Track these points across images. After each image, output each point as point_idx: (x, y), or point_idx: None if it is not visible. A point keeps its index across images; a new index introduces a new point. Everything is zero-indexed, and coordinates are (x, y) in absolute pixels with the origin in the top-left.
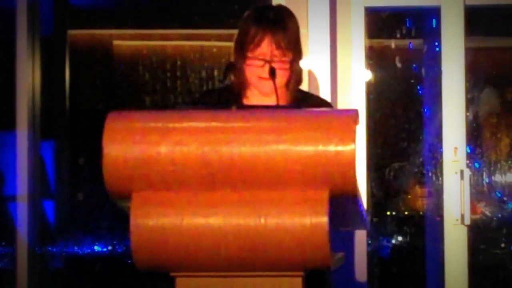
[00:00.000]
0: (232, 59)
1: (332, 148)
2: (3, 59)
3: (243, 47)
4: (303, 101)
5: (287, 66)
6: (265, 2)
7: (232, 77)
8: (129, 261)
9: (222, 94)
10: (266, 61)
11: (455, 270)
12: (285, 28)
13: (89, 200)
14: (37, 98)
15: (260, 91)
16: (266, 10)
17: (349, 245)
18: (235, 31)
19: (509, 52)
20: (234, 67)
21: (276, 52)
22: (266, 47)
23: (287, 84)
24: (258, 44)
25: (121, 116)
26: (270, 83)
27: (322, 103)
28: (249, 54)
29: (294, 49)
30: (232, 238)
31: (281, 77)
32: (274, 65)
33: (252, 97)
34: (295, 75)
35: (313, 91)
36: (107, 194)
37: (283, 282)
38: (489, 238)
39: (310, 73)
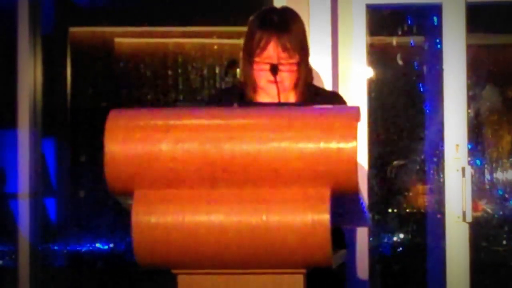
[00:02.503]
0: (240, 63)
1: (333, 145)
2: (5, 57)
3: (250, 52)
4: (313, 97)
5: (294, 68)
6: (267, 1)
7: (239, 77)
8: (131, 259)
9: (232, 93)
10: (271, 65)
11: (456, 267)
12: (290, 30)
13: (91, 197)
14: (38, 96)
15: (269, 94)
16: (270, 13)
17: (351, 242)
18: (236, 29)
19: (511, 49)
20: (237, 66)
21: (283, 55)
22: (273, 50)
23: (296, 85)
24: (264, 48)
25: (123, 114)
26: (279, 86)
27: (333, 96)
28: (256, 59)
29: (301, 49)
30: (234, 236)
31: (289, 79)
32: (282, 67)
33: (261, 99)
34: (304, 75)
35: None
36: (109, 192)
37: (284, 280)
38: (490, 235)
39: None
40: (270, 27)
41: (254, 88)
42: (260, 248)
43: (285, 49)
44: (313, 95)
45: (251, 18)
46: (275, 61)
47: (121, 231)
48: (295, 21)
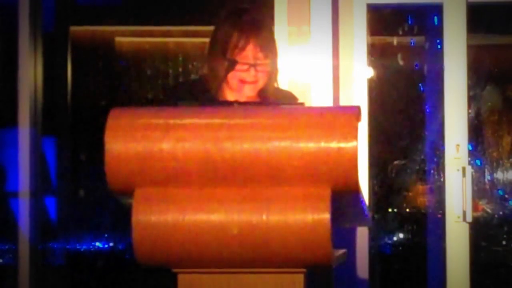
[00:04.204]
0: (207, 60)
1: (334, 145)
2: (5, 55)
3: (225, 52)
4: (274, 96)
5: (267, 68)
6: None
7: (205, 71)
8: (131, 258)
9: (194, 88)
10: (250, 65)
11: (456, 267)
12: (266, 30)
13: (91, 196)
14: (39, 94)
15: (242, 94)
16: (244, 13)
17: (351, 241)
18: None
19: (511, 49)
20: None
21: (260, 55)
22: (251, 51)
23: (266, 86)
24: (243, 48)
25: (123, 113)
26: (252, 87)
27: (288, 96)
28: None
29: (274, 50)
30: (234, 235)
31: (263, 79)
32: (258, 68)
33: (229, 98)
34: (274, 75)
35: (314, 88)
36: (109, 191)
37: (285, 279)
38: (490, 235)
39: (312, 71)
40: (248, 27)
41: (222, 86)
42: (261, 247)
43: (262, 49)
44: (274, 95)
45: (221, 18)
46: (251, 62)
47: (121, 230)
48: (267, 21)
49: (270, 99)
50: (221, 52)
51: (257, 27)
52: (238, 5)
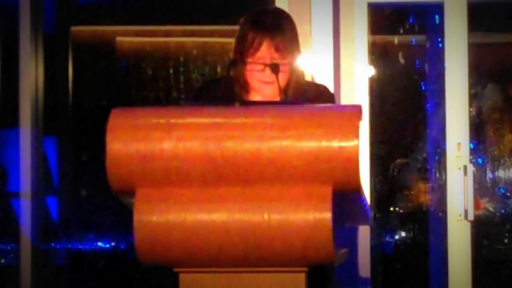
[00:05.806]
0: (232, 65)
1: (335, 143)
2: (6, 56)
3: (242, 53)
4: (302, 94)
5: (287, 68)
6: (269, 0)
7: (232, 73)
8: (133, 257)
9: (225, 87)
10: (266, 65)
11: (458, 265)
12: (282, 30)
13: (92, 196)
14: (40, 94)
15: (262, 94)
16: (262, 14)
17: (353, 241)
18: (238, 27)
19: None
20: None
21: (276, 55)
22: (266, 51)
23: (287, 86)
24: (257, 49)
25: (125, 113)
26: (271, 87)
27: (319, 89)
28: (249, 59)
29: (293, 50)
30: (235, 234)
31: (282, 79)
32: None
33: (252, 99)
34: (296, 75)
35: None
36: (110, 190)
37: (286, 278)
38: (492, 233)
39: (313, 69)
40: (263, 28)
41: (246, 88)
42: (262, 246)
43: (278, 49)
44: (302, 92)
45: (242, 19)
46: (268, 62)
47: (123, 230)
48: (287, 21)
49: (291, 99)
50: (239, 53)
51: (272, 28)
52: (261, 6)
